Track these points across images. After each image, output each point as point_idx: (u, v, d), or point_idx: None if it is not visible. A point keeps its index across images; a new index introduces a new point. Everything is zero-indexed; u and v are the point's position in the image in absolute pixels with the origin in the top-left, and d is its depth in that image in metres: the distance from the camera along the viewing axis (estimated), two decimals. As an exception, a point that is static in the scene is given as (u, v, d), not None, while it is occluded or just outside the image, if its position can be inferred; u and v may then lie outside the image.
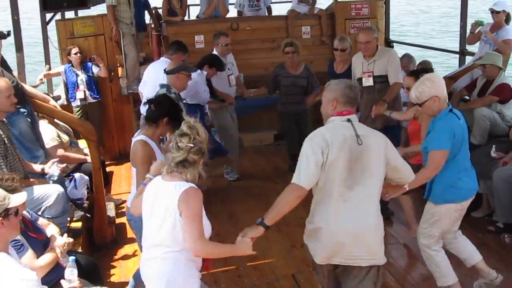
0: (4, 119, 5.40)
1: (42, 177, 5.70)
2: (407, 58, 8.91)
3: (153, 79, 7.27)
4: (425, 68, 5.83)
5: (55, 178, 5.68)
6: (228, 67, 8.44)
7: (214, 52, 8.43)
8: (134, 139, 4.85)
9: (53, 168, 5.70)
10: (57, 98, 8.66)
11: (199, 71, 7.64)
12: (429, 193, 5.09)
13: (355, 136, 4.00)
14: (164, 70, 6.74)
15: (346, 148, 3.96)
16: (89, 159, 6.84)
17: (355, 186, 3.98)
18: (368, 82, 7.15)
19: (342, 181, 3.97)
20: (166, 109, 4.91)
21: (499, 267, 5.84)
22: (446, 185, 4.96)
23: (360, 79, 7.20)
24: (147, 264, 3.96)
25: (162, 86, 6.40)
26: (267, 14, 11.49)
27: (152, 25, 11.38)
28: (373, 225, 4.04)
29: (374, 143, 4.05)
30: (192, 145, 3.77)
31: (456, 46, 9.51)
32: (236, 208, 7.13)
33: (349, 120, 4.09)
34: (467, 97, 8.08)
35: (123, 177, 8.71)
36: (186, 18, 11.51)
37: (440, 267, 5.20)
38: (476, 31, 8.68)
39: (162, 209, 3.78)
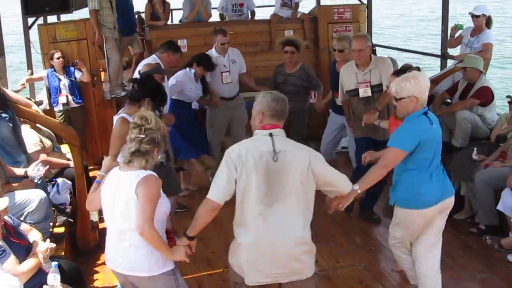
0: (-15, 125, 5.37)
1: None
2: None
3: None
4: (412, 67, 5.71)
5: (39, 179, 5.67)
6: (224, 64, 8.34)
7: (213, 49, 8.41)
8: (115, 117, 4.92)
9: (35, 171, 5.67)
10: (39, 103, 8.64)
11: (186, 69, 8.02)
12: (393, 195, 4.95)
13: (273, 152, 3.89)
14: (139, 72, 6.96)
15: (262, 165, 3.88)
16: (72, 164, 6.80)
17: (275, 203, 3.89)
18: (366, 92, 6.84)
19: (261, 198, 3.89)
20: (148, 89, 5.19)
21: (481, 268, 5.92)
22: (408, 189, 4.81)
23: (354, 90, 6.93)
24: (122, 253, 4.07)
25: (132, 81, 6.36)
26: (250, 18, 11.47)
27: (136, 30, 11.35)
28: (295, 243, 3.95)
29: (294, 159, 3.91)
30: (143, 136, 3.95)
31: (434, 47, 9.58)
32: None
33: (271, 135, 3.96)
34: (448, 100, 8.12)
35: (107, 182, 8.59)
36: (169, 22, 11.48)
37: (405, 270, 5.29)
38: (457, 35, 8.74)
39: (124, 197, 3.94)
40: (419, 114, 4.69)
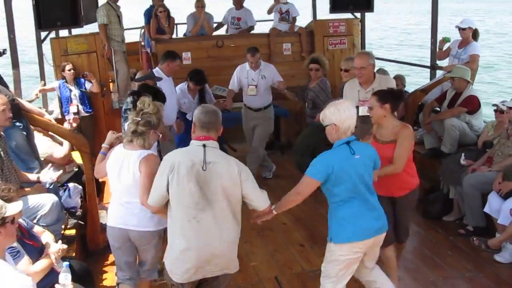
0: (1, 133, 5.37)
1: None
2: (382, 70, 9.02)
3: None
4: (392, 90, 5.54)
5: (50, 184, 5.68)
6: (253, 78, 8.39)
7: (247, 63, 8.51)
8: None
9: (47, 176, 5.68)
10: (51, 112, 8.64)
11: (184, 83, 8.42)
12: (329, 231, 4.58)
13: (203, 162, 4.02)
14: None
15: (194, 173, 4.01)
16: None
17: (207, 208, 4.04)
18: (364, 111, 6.20)
19: (194, 204, 4.03)
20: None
21: (469, 267, 5.91)
22: (337, 223, 4.44)
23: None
24: (129, 213, 4.67)
25: (131, 93, 6.68)
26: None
27: (142, 43, 11.38)
28: (226, 243, 4.14)
29: (223, 170, 4.05)
30: (139, 118, 4.50)
31: (423, 57, 9.59)
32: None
33: (204, 146, 4.09)
34: (437, 108, 8.13)
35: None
36: (173, 36, 11.50)
37: None
38: (445, 47, 8.76)
39: (131, 173, 4.51)
40: (340, 143, 4.39)
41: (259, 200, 4.23)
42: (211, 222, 4.07)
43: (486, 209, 6.24)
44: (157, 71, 7.79)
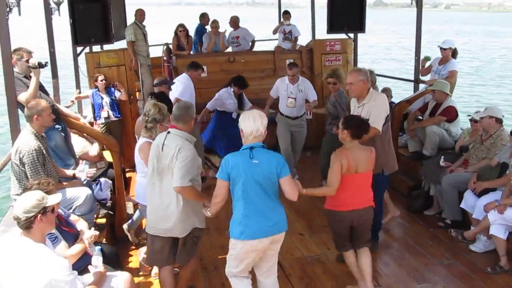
0: (43, 134, 5.38)
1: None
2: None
3: (180, 85, 8.09)
4: (360, 119, 4.87)
5: (84, 180, 5.70)
6: (291, 91, 8.20)
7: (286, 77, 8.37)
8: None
9: (82, 173, 5.71)
10: (85, 117, 8.66)
11: (228, 87, 8.55)
12: None
13: (161, 145, 4.54)
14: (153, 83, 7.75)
15: (155, 152, 4.60)
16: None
17: (163, 179, 4.56)
18: None
19: (156, 174, 4.59)
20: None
21: (447, 255, 5.90)
22: (234, 220, 4.30)
23: None
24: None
25: (150, 94, 6.87)
26: (249, 47, 11.56)
27: (164, 58, 11.39)
28: (172, 208, 4.54)
29: (170, 151, 4.48)
30: (147, 118, 5.33)
31: (407, 72, 9.58)
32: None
33: (168, 132, 4.62)
34: (420, 117, 8.11)
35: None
36: (191, 52, 11.51)
37: None
38: (426, 65, 8.75)
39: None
40: (244, 148, 4.24)
41: (175, 177, 4.42)
42: (162, 190, 4.57)
43: (462, 205, 6.22)
44: (183, 76, 8.25)
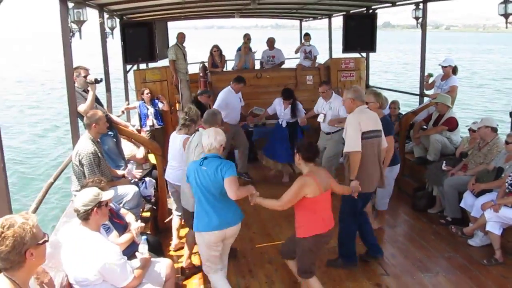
0: (99, 139, 5.50)
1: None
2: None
3: (218, 97, 8.35)
4: (310, 144, 4.80)
5: (134, 179, 5.79)
6: (323, 107, 7.62)
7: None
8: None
9: (131, 174, 5.81)
10: (133, 125, 8.80)
11: (280, 98, 8.35)
12: None
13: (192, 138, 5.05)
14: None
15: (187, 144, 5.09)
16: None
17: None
18: None
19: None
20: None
21: (448, 249, 5.83)
22: (196, 214, 4.41)
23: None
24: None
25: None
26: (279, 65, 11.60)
27: (201, 74, 11.52)
28: None
29: (192, 143, 4.97)
30: (186, 117, 5.66)
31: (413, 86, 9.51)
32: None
33: (197, 130, 5.18)
34: (424, 127, 8.04)
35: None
36: (224, 69, 11.62)
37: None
38: (430, 81, 8.66)
39: (177, 146, 5.64)
40: (201, 157, 4.36)
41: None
42: None
43: (462, 204, 6.14)
44: (225, 89, 8.41)
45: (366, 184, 5.03)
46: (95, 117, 5.33)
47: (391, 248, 5.92)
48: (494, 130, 6.35)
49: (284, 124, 8.37)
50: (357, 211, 5.30)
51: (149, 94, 9.04)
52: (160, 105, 9.13)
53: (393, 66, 46.86)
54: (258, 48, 11.99)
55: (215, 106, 7.97)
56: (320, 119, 7.66)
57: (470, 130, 6.90)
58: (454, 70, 8.21)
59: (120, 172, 5.86)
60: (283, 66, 11.65)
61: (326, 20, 12.94)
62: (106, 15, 8.75)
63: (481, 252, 5.71)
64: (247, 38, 11.78)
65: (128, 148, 6.98)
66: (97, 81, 5.93)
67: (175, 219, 5.99)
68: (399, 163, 6.29)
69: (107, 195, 3.82)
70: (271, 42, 11.54)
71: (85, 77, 6.01)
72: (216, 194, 4.24)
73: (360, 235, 5.50)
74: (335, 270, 5.35)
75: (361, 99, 5.22)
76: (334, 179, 4.70)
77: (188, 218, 5.08)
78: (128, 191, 5.50)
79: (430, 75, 8.63)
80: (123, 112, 9.40)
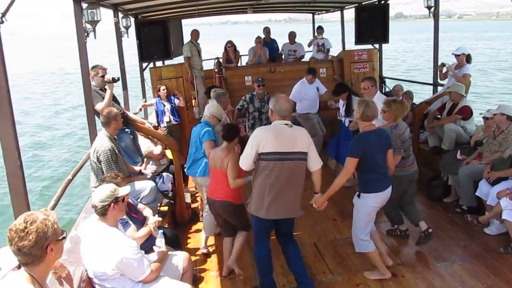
0: (116, 136, 5.53)
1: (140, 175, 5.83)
2: (399, 86, 8.88)
3: (298, 89, 8.64)
4: (230, 125, 5.25)
5: (149, 176, 5.80)
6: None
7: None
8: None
9: (148, 169, 5.82)
10: (151, 123, 8.84)
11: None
12: None
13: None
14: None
15: None
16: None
17: None
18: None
19: None
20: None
21: (464, 238, 5.73)
22: None
23: None
24: None
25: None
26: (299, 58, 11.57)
27: (215, 70, 11.51)
28: None
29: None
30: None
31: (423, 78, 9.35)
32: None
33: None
34: (439, 116, 7.90)
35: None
36: (238, 64, 11.59)
37: None
38: (443, 70, 8.50)
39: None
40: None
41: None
42: None
43: (477, 193, 6.03)
44: (303, 80, 8.74)
45: (257, 208, 4.34)
46: (110, 114, 5.35)
47: (407, 238, 5.84)
48: (510, 118, 6.20)
49: (347, 123, 7.52)
50: (263, 234, 4.53)
51: (165, 91, 9.05)
52: (176, 101, 9.14)
53: (407, 55, 46.39)
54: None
55: (290, 97, 7.97)
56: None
57: (485, 118, 6.76)
58: (468, 58, 8.05)
59: (137, 167, 5.88)
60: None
61: (338, 13, 12.80)
62: (120, 15, 8.77)
63: (497, 240, 5.59)
64: (266, 31, 11.74)
65: (145, 144, 7.01)
66: (114, 80, 5.96)
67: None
68: (388, 187, 4.72)
69: (124, 190, 3.82)
70: (292, 36, 11.54)
71: (103, 76, 6.05)
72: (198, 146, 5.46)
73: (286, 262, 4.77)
74: (350, 260, 5.32)
75: (281, 113, 4.25)
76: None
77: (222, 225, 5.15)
78: (145, 186, 5.51)
79: (443, 65, 8.48)
80: (140, 109, 9.45)
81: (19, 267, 2.51)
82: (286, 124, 4.21)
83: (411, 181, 5.51)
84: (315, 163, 4.28)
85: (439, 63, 8.58)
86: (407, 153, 5.33)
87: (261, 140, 4.13)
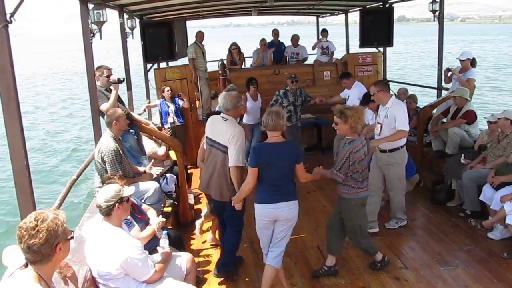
0: (120, 137, 5.54)
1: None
2: (403, 90, 8.88)
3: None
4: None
5: (156, 175, 5.81)
6: (380, 115, 5.83)
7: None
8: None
9: (152, 170, 5.83)
10: (156, 124, 8.86)
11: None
12: None
13: None
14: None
15: None
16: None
17: None
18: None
19: None
20: None
21: (468, 242, 5.71)
22: None
23: None
24: None
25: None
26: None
27: (220, 71, 11.53)
28: None
29: None
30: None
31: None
32: (311, 203, 7.03)
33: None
34: (443, 120, 7.91)
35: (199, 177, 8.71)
36: (242, 66, 11.60)
37: None
38: (449, 74, 8.50)
39: None
40: None
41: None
42: None
43: (481, 197, 6.02)
44: (357, 84, 8.42)
45: (201, 179, 5.11)
46: (115, 115, 5.36)
47: (410, 242, 5.84)
48: (514, 123, 6.20)
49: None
50: (216, 213, 5.33)
51: (169, 92, 9.08)
52: (180, 102, 9.16)
53: (411, 60, 46.30)
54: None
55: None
56: (376, 131, 5.89)
57: (489, 122, 6.75)
58: (473, 62, 8.04)
59: (141, 168, 5.88)
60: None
61: (342, 16, 12.81)
62: (126, 16, 8.80)
63: (501, 245, 5.58)
64: (274, 33, 11.78)
65: (149, 145, 7.01)
66: (119, 81, 5.97)
67: None
68: (281, 201, 4.41)
69: (128, 191, 3.83)
70: (295, 39, 11.56)
71: (108, 76, 6.06)
72: None
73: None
74: (354, 263, 5.31)
75: (223, 106, 4.84)
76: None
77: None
78: (149, 187, 5.51)
79: (449, 70, 8.47)
80: (145, 110, 9.46)
81: (26, 265, 2.52)
82: (222, 117, 4.80)
83: (362, 205, 4.86)
84: (230, 160, 4.62)
85: (444, 68, 8.56)
86: (362, 176, 4.69)
87: (209, 126, 4.95)
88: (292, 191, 4.35)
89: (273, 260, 4.47)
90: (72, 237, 2.59)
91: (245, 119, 8.67)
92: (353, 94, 8.25)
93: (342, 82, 8.48)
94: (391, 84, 11.02)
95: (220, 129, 4.72)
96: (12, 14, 3.14)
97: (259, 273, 5.11)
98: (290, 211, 4.32)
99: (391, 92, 5.56)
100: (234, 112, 4.77)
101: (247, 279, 5.06)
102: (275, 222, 4.40)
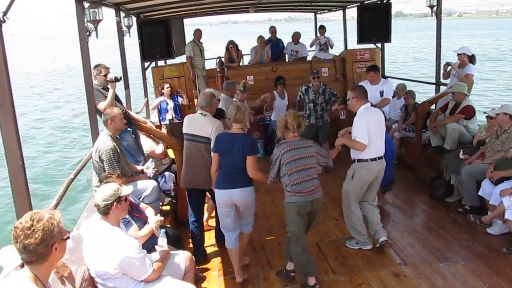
0: (118, 136, 5.52)
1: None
2: (402, 85, 8.85)
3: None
4: None
5: (151, 175, 5.79)
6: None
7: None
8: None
9: (150, 169, 5.81)
10: (154, 123, 8.84)
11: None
12: None
13: None
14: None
15: None
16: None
17: None
18: None
19: None
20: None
21: (467, 238, 5.71)
22: None
23: None
24: None
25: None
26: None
27: (218, 69, 11.50)
28: None
29: None
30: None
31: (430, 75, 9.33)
32: (276, 196, 7.10)
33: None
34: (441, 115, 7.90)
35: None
36: (240, 64, 11.58)
37: None
38: (448, 69, 8.48)
39: None
40: None
41: None
42: None
43: (480, 193, 6.02)
44: (366, 82, 7.52)
45: (183, 178, 5.40)
46: (111, 114, 5.34)
47: (409, 237, 5.83)
48: (512, 118, 6.19)
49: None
50: (192, 203, 5.57)
51: (169, 89, 9.07)
52: (179, 99, 9.15)
53: (409, 55, 46.25)
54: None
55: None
56: None
57: (488, 117, 6.74)
58: (472, 58, 8.01)
59: (139, 167, 5.87)
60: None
61: (340, 12, 12.78)
62: (122, 14, 8.76)
63: (500, 240, 5.58)
64: (272, 30, 11.75)
65: (147, 144, 7.01)
66: (117, 80, 5.95)
67: None
68: (233, 188, 4.76)
69: (126, 190, 3.81)
70: (296, 37, 11.55)
71: (105, 75, 6.03)
72: None
73: None
74: (353, 260, 5.30)
75: (200, 103, 5.40)
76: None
77: None
78: (147, 185, 5.50)
79: (449, 64, 8.45)
80: (142, 109, 9.44)
81: (22, 266, 2.51)
82: (201, 114, 5.31)
83: (308, 212, 4.69)
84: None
85: (444, 63, 8.54)
86: (291, 180, 4.53)
87: (184, 123, 5.39)
88: (245, 179, 4.71)
89: (247, 229, 5.04)
90: (68, 237, 2.58)
91: (273, 116, 8.76)
92: (387, 90, 7.48)
93: (369, 74, 7.42)
94: (389, 80, 11.03)
95: (201, 123, 5.23)
96: (5, 13, 3.11)
97: (259, 272, 5.11)
98: (242, 196, 4.71)
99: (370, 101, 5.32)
100: (209, 109, 5.33)
101: (246, 277, 5.04)
102: (236, 209, 4.84)
